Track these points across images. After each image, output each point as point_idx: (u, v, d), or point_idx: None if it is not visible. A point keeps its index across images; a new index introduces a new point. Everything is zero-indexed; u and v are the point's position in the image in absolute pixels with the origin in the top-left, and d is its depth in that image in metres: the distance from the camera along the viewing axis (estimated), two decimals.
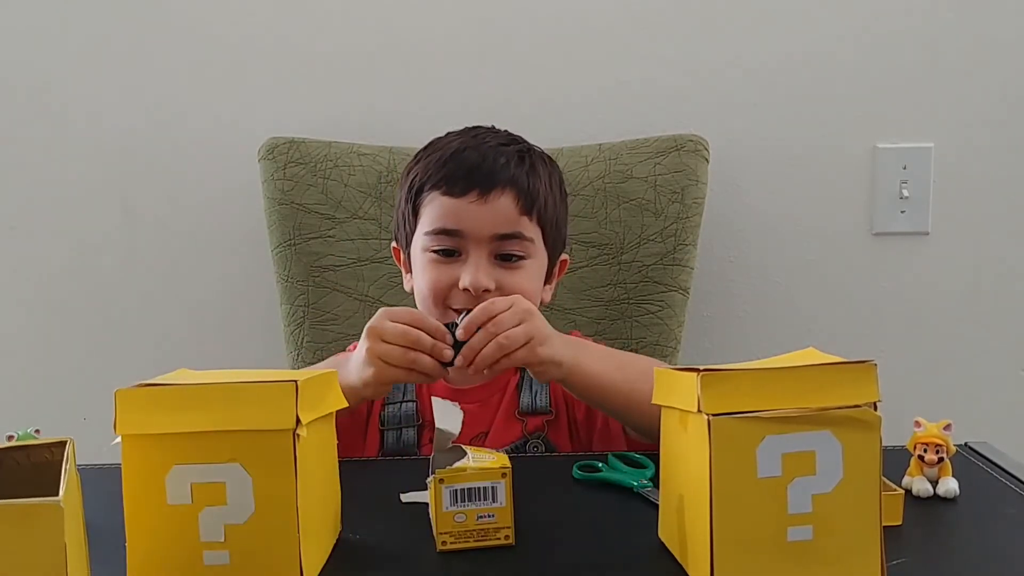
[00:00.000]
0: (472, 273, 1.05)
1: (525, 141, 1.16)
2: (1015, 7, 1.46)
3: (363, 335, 0.95)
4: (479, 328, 0.94)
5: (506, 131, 1.17)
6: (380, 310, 0.96)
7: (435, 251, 1.08)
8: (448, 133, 1.16)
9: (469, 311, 0.96)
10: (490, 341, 0.93)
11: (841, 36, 1.46)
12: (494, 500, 0.76)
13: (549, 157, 1.17)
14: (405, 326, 0.93)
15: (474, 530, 0.76)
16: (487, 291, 1.05)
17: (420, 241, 1.10)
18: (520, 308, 0.95)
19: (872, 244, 1.51)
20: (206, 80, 1.48)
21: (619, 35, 1.47)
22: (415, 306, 1.14)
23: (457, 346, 0.94)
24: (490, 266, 1.07)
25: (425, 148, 1.15)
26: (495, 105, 1.44)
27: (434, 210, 1.09)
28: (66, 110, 1.49)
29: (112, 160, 1.49)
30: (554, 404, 1.13)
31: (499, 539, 0.76)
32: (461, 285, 1.06)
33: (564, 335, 1.02)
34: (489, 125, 1.17)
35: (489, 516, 0.76)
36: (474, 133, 1.14)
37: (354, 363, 0.97)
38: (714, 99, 1.47)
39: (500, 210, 1.07)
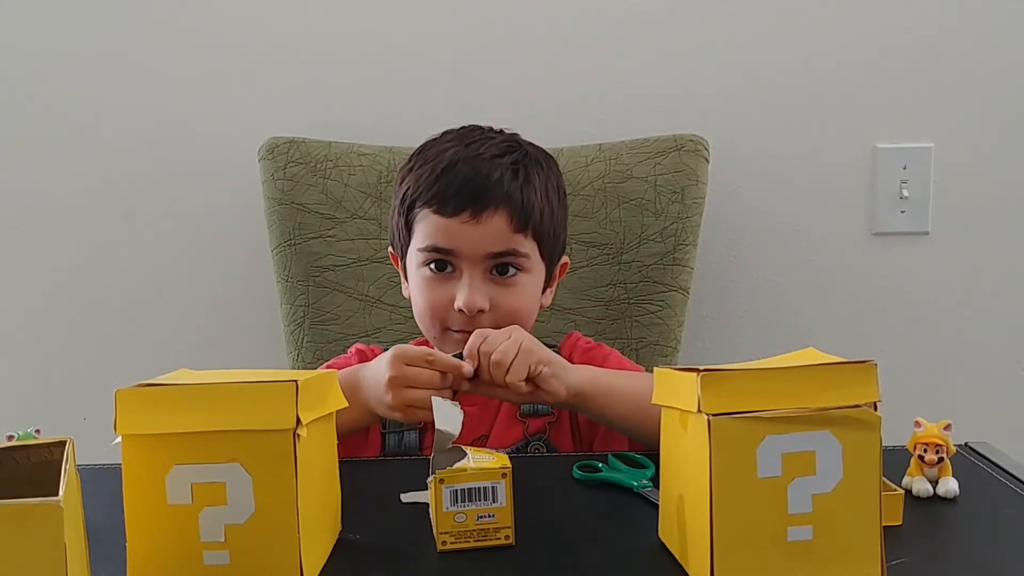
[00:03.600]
0: (466, 294, 1.05)
1: (521, 144, 1.13)
2: (1015, 8, 1.46)
3: (384, 383, 0.95)
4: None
5: (502, 132, 1.14)
6: (392, 355, 0.96)
7: (430, 268, 1.08)
8: (444, 133, 1.14)
9: None
10: (489, 362, 0.96)
11: (841, 36, 1.46)
12: (494, 500, 0.76)
13: (546, 157, 1.15)
14: (429, 372, 0.95)
15: (474, 530, 0.76)
16: (482, 311, 1.06)
17: (414, 256, 1.10)
18: (507, 328, 0.99)
19: (872, 244, 1.51)
20: (206, 80, 1.48)
21: (619, 35, 1.47)
22: (411, 313, 1.14)
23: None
24: (484, 284, 1.07)
25: (419, 152, 1.13)
26: (495, 105, 1.44)
27: (426, 228, 1.07)
28: (67, 111, 1.48)
29: (113, 160, 1.49)
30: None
31: (499, 539, 0.76)
32: (456, 305, 1.05)
33: (576, 366, 1.04)
34: (487, 125, 1.15)
35: (489, 516, 0.76)
36: (468, 140, 1.10)
37: (374, 398, 0.98)
38: (714, 99, 1.47)
39: (493, 230, 1.05)
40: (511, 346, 0.96)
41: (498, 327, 1.02)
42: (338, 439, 0.95)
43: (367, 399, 0.98)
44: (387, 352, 0.98)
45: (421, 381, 0.95)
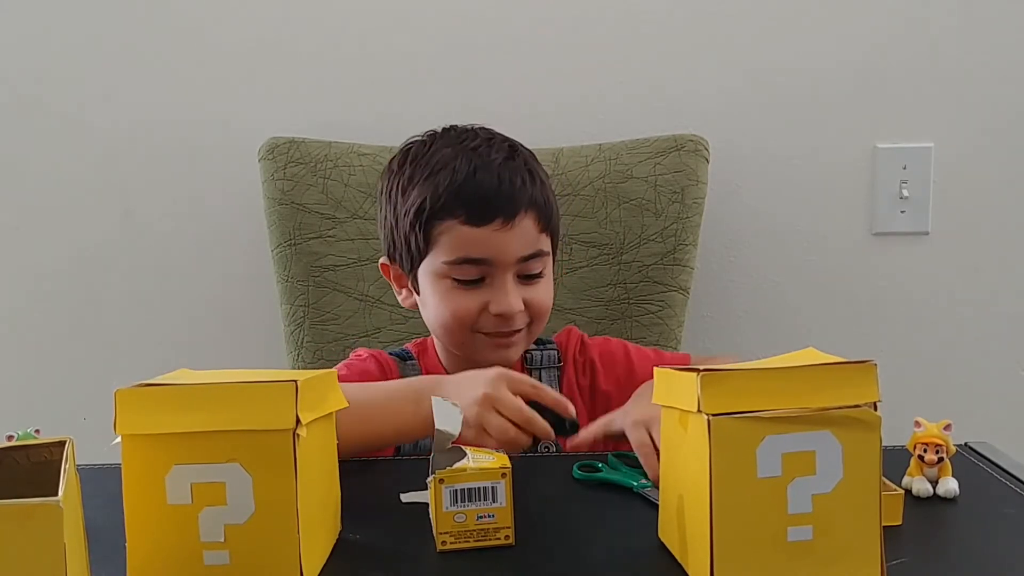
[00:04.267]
0: (503, 300, 1.06)
1: (516, 145, 1.13)
2: (1015, 8, 1.46)
3: (478, 397, 0.91)
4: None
5: (487, 131, 1.13)
6: (497, 374, 0.93)
7: (455, 280, 1.07)
8: (431, 138, 1.12)
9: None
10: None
11: (841, 36, 1.46)
12: (494, 500, 0.76)
13: (532, 153, 1.15)
14: (520, 403, 0.92)
15: (474, 530, 0.76)
16: (519, 312, 1.07)
17: (435, 268, 1.08)
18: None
19: (872, 244, 1.51)
20: (206, 80, 1.48)
21: (619, 35, 1.47)
22: (422, 322, 1.14)
23: (571, 425, 0.94)
24: (516, 287, 1.08)
25: (412, 160, 1.11)
26: (495, 105, 1.44)
27: (454, 239, 1.06)
28: (67, 110, 1.49)
29: (113, 160, 1.49)
30: None
31: (499, 539, 0.76)
32: (494, 311, 1.07)
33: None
34: (466, 124, 1.14)
35: (489, 516, 0.76)
36: (472, 145, 1.10)
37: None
38: (714, 99, 1.47)
39: (524, 234, 1.07)
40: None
41: (528, 324, 1.08)
42: (371, 449, 0.97)
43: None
44: (490, 368, 0.95)
45: (511, 409, 0.91)
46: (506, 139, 1.14)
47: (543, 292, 1.11)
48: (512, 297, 1.07)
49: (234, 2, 1.46)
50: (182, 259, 1.51)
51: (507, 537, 0.77)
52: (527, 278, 1.09)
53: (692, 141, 1.38)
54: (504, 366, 1.11)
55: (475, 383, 0.93)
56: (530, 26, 1.47)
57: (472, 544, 0.76)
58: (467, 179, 1.06)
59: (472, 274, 1.07)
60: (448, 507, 0.75)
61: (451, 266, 1.07)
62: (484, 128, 1.15)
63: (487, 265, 1.07)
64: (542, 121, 1.44)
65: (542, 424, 0.92)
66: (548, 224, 1.10)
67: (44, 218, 1.51)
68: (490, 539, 0.76)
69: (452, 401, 0.85)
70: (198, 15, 1.47)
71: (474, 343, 1.09)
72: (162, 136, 1.49)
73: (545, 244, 1.10)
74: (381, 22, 1.47)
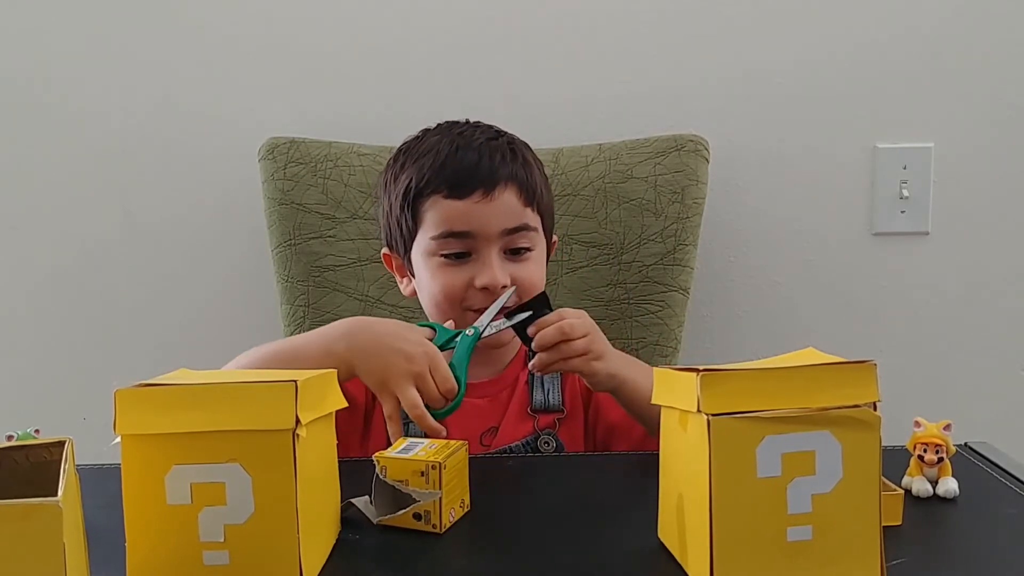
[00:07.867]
0: (488, 272, 1.08)
1: (505, 133, 1.17)
2: (1015, 8, 1.46)
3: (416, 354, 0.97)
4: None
5: (480, 122, 1.17)
6: (424, 353, 0.98)
7: (444, 255, 1.10)
8: (426, 132, 1.17)
9: (532, 312, 1.02)
10: (554, 345, 0.99)
11: (841, 36, 1.46)
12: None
13: (525, 143, 1.18)
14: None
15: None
16: (504, 287, 1.08)
17: (425, 246, 1.11)
18: (587, 323, 1.03)
19: (872, 244, 1.51)
20: (206, 80, 1.48)
21: (619, 35, 1.47)
22: (420, 308, 1.15)
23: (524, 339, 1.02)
24: (502, 261, 1.09)
25: (406, 151, 1.15)
26: (495, 105, 1.44)
27: (438, 213, 1.09)
28: (66, 110, 1.49)
29: (112, 160, 1.49)
30: (568, 403, 1.14)
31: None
32: (479, 284, 1.08)
33: (620, 352, 1.07)
34: (464, 119, 1.18)
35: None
36: (458, 131, 1.14)
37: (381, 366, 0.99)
38: (714, 99, 1.47)
39: (506, 205, 1.09)
40: (579, 347, 1.00)
41: (519, 301, 1.07)
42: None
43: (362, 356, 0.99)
44: (417, 345, 0.99)
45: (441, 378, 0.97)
46: (495, 128, 1.17)
47: (532, 271, 1.12)
48: (497, 270, 1.08)
49: (234, 2, 1.46)
50: (182, 259, 1.51)
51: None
52: (514, 253, 1.10)
53: (692, 141, 1.38)
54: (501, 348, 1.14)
55: (399, 355, 0.97)
56: (530, 26, 1.47)
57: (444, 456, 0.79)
58: (448, 156, 1.10)
59: (457, 247, 1.09)
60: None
61: (437, 241, 1.09)
62: (478, 121, 1.18)
63: (471, 238, 1.09)
64: (542, 121, 1.44)
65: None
66: (532, 199, 1.11)
67: (44, 218, 1.51)
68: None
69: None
70: (198, 15, 1.46)
71: (463, 320, 1.09)
72: (162, 136, 1.49)
73: (532, 220, 1.11)
74: (381, 22, 1.47)
